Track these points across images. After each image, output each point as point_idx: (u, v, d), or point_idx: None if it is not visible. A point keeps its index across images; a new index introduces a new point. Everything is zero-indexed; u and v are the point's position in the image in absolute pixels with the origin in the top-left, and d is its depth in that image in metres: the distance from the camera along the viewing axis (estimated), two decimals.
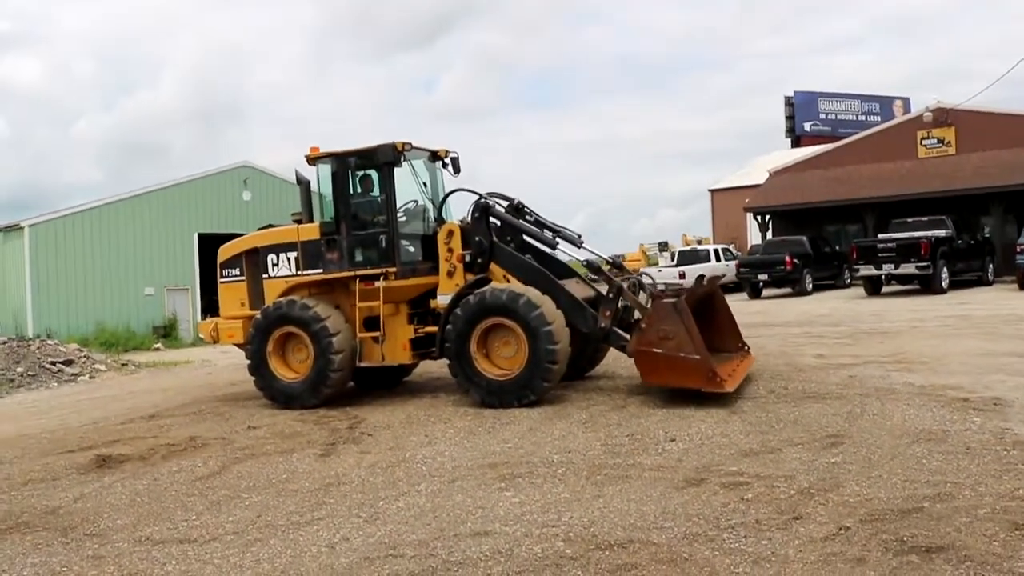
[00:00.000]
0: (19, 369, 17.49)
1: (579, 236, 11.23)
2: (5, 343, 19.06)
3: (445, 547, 5.50)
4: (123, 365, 19.71)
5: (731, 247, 36.39)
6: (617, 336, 10.32)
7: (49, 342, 20.19)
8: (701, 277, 11.79)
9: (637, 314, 10.43)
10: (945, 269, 24.63)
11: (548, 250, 11.31)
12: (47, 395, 15.97)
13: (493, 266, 11.00)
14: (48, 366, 18.01)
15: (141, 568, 5.57)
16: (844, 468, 6.67)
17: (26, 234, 28.09)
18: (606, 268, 10.82)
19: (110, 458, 8.87)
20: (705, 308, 10.72)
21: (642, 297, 10.60)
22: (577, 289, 10.95)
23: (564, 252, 11.26)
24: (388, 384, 12.79)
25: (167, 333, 29.57)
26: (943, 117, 33.19)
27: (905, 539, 5.05)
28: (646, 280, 11.02)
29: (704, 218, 49.14)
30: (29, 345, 19.08)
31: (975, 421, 7.92)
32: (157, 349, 26.51)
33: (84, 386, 17.06)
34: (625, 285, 10.46)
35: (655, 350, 9.50)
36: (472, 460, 7.81)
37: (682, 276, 29.47)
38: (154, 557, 5.75)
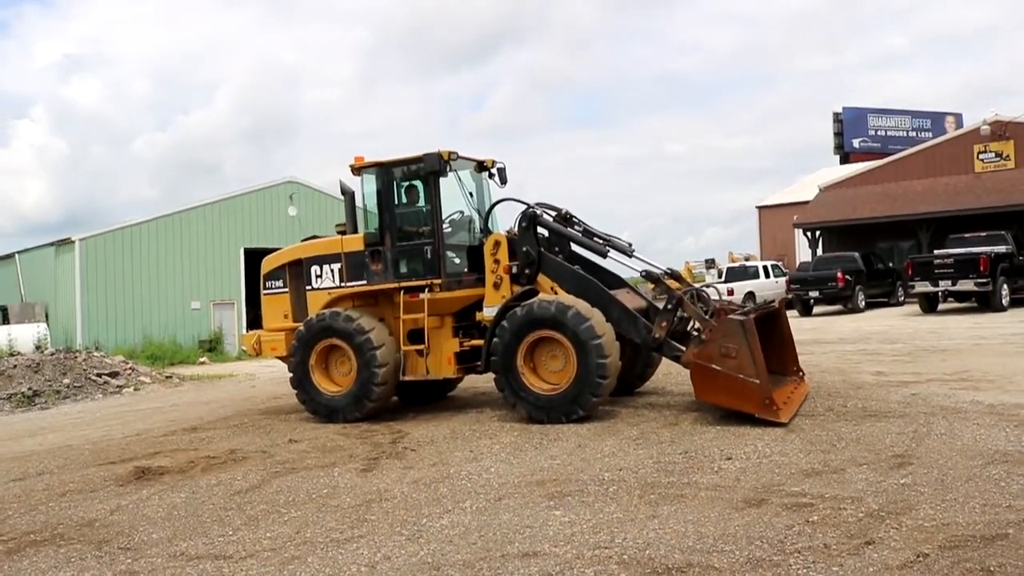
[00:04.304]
0: (66, 380, 17.58)
1: (630, 245, 10.87)
2: (53, 355, 19.21)
3: (491, 568, 5.20)
4: (167, 378, 19.75)
5: (780, 264, 35.72)
6: (671, 347, 9.96)
7: (96, 354, 20.33)
8: (771, 302, 11.34)
9: (694, 324, 10.03)
10: (1005, 286, 23.88)
11: (599, 259, 10.98)
12: (93, 406, 15.99)
13: (540, 276, 10.70)
14: (94, 378, 18.09)
15: None
16: (915, 490, 6.25)
17: (77, 248, 28.51)
18: (664, 279, 10.40)
19: (149, 470, 8.72)
20: (768, 327, 10.27)
21: (701, 308, 10.19)
22: (628, 299, 10.60)
23: (615, 260, 10.90)
24: (432, 398, 12.53)
25: (213, 347, 29.78)
26: (1001, 130, 32.26)
27: (992, 569, 4.64)
28: (711, 293, 10.58)
29: (750, 237, 48.35)
30: (76, 357, 19.20)
31: None
32: (202, 363, 26.65)
33: (129, 398, 17.07)
34: (685, 297, 10.05)
35: (713, 366, 9.10)
36: (519, 477, 7.50)
37: (731, 293, 28.96)
38: (188, 573, 5.52)
